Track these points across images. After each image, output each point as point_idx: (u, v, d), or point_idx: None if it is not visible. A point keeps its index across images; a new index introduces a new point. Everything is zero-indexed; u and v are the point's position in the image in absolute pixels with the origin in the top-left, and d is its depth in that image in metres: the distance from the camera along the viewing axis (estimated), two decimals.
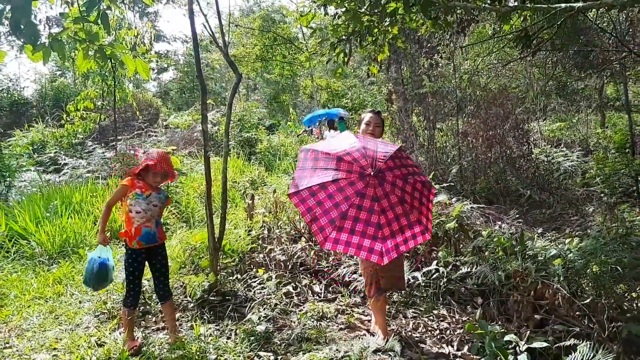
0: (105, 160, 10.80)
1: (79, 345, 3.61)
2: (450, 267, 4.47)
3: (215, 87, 27.22)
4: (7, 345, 3.75)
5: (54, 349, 3.63)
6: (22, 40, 2.91)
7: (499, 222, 5.78)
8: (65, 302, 4.64)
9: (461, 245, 4.91)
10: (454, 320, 3.97)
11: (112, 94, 11.12)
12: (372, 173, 2.93)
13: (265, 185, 9.33)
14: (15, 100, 17.74)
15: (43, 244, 6.01)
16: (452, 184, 7.29)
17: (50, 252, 5.95)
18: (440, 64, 9.48)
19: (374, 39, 5.53)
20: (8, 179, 9.07)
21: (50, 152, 12.03)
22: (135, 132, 13.55)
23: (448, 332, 3.79)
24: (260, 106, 21.95)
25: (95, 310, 4.36)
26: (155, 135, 14.01)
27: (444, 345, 3.59)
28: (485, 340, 3.17)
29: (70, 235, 6.19)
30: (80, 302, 4.63)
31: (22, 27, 2.76)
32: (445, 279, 4.33)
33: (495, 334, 3.20)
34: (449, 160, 9.11)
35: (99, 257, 3.57)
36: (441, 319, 4.01)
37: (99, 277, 3.58)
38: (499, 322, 3.65)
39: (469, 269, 4.35)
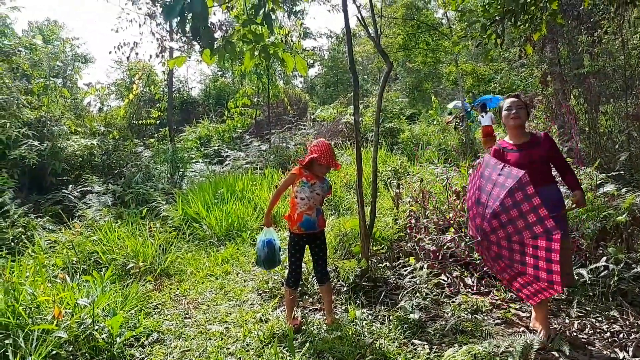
0: (261, 152, 11.69)
1: (246, 320, 3.99)
2: (621, 264, 3.97)
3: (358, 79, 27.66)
4: (187, 315, 4.28)
5: (225, 321, 4.05)
6: (200, 44, 3.26)
7: None
8: (232, 280, 5.15)
9: (634, 242, 4.39)
10: (627, 323, 3.54)
11: (266, 91, 11.97)
12: (479, 238, 3.14)
13: (408, 174, 9.23)
14: (185, 99, 20.13)
15: (212, 227, 6.75)
16: (620, 172, 6.44)
17: (218, 234, 6.66)
18: (603, 40, 8.41)
19: (529, 16, 5.11)
20: (181, 170, 10.33)
21: (215, 146, 13.41)
22: (287, 126, 14.42)
23: (621, 335, 3.39)
24: (401, 96, 21.74)
25: (259, 289, 4.76)
26: (304, 128, 14.73)
27: (617, 350, 3.21)
28: None
29: (235, 220, 6.85)
30: (245, 281, 5.10)
31: (200, 32, 3.09)
32: (616, 278, 3.86)
33: None
34: (615, 147, 8.06)
35: (266, 238, 3.89)
36: (612, 320, 3.60)
37: (267, 256, 3.89)
38: None
39: None
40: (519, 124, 3.35)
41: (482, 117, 12.81)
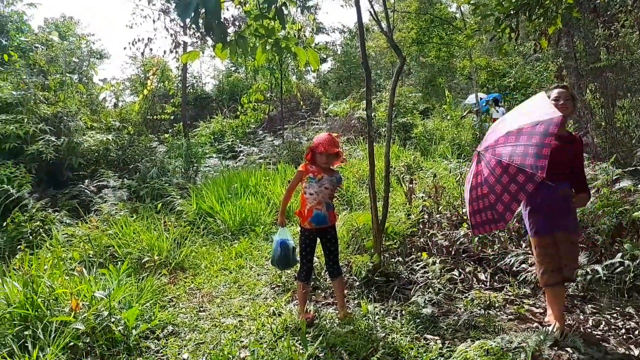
0: (274, 148, 11.73)
1: (259, 314, 4.02)
2: (637, 261, 3.92)
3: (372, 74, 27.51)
4: (202, 309, 4.32)
5: (239, 315, 4.09)
6: (213, 39, 3.28)
7: None
8: (246, 274, 5.19)
9: None
10: None
11: (279, 86, 11.98)
12: (478, 150, 3.29)
13: (421, 170, 9.19)
14: (199, 95, 20.27)
15: (226, 222, 6.80)
16: (637, 168, 6.35)
17: (232, 228, 6.71)
18: (620, 34, 8.26)
19: (544, 10, 5.04)
20: (196, 165, 10.41)
21: (228, 141, 13.48)
22: (299, 121, 14.43)
23: (636, 332, 3.36)
24: (414, 91, 21.59)
25: (272, 283, 4.80)
26: (317, 124, 14.72)
27: (632, 346, 3.18)
28: None
29: (248, 214, 6.90)
30: (258, 275, 5.14)
31: (213, 27, 3.11)
32: (631, 274, 3.82)
33: None
34: (632, 142, 7.93)
35: (280, 239, 3.92)
36: (627, 317, 3.57)
37: (282, 256, 3.92)
38: None
39: None
40: (567, 115, 3.32)
41: (497, 111, 12.96)
